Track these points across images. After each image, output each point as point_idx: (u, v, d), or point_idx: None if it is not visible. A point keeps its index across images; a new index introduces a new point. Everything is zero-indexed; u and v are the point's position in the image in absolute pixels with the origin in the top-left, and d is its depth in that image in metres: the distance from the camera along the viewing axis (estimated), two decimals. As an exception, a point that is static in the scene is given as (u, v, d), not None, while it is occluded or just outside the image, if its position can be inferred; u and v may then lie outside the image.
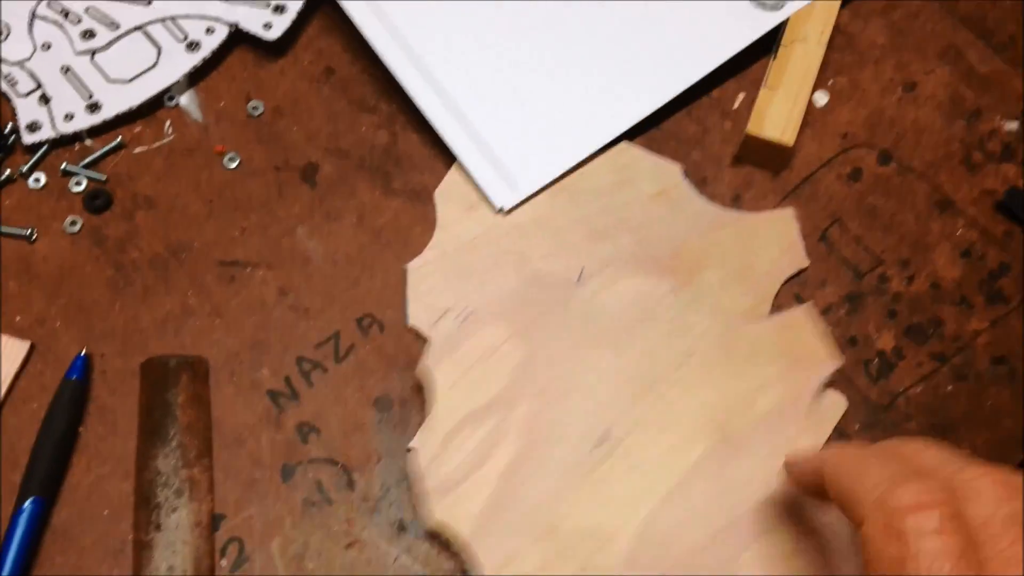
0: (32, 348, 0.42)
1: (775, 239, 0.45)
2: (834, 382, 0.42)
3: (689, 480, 0.39)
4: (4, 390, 0.41)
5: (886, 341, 0.43)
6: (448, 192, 0.46)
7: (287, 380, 0.42)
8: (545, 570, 0.38)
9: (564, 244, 0.45)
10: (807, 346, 0.41)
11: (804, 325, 0.42)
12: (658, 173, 0.46)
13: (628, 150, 0.47)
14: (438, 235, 0.45)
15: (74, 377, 0.41)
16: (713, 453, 0.40)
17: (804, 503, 0.38)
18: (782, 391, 0.41)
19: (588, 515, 0.39)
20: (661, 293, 0.43)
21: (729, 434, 0.40)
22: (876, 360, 0.43)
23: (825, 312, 0.44)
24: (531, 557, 0.38)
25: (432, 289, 0.44)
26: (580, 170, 0.46)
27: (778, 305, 0.43)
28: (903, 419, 0.41)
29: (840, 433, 0.41)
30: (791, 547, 0.38)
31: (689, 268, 0.44)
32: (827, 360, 0.41)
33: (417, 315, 0.43)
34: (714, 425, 0.40)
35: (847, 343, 0.43)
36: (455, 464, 0.40)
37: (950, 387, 0.42)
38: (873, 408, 0.42)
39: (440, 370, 0.41)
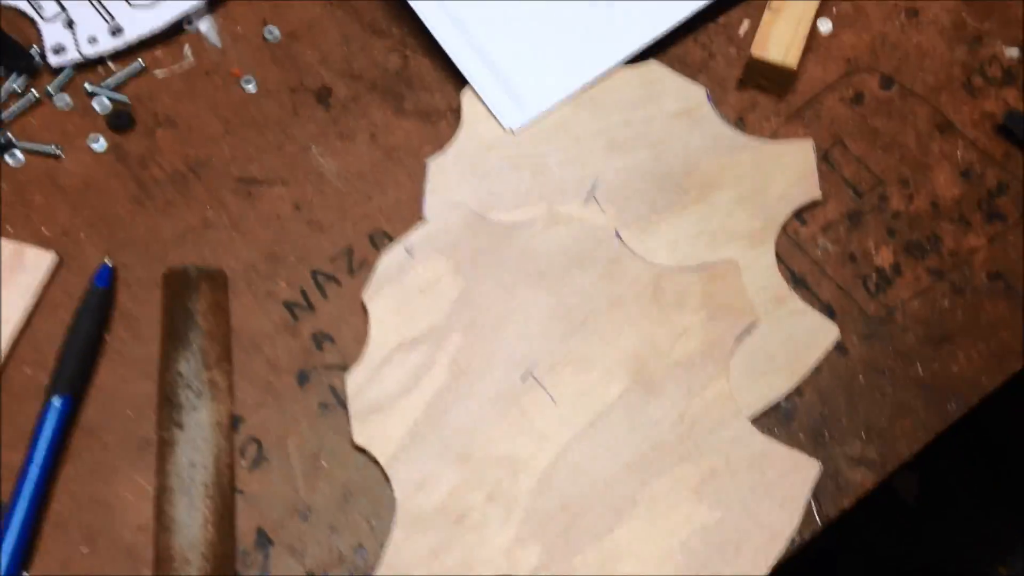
0: (60, 261, 0.44)
1: (791, 168, 0.45)
2: (831, 300, 0.43)
3: (605, 417, 0.41)
4: (32, 299, 0.42)
5: (885, 257, 0.44)
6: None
7: (302, 291, 0.44)
8: (454, 495, 0.39)
9: (583, 152, 0.46)
10: (729, 298, 0.42)
11: (728, 277, 0.43)
12: (683, 93, 0.47)
13: (656, 68, 0.48)
14: (462, 133, 0.47)
15: (100, 285, 0.43)
16: (629, 393, 0.41)
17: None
18: (700, 339, 0.42)
19: (505, 444, 0.40)
20: (600, 237, 0.44)
21: (646, 376, 0.41)
22: (875, 275, 0.44)
23: (826, 230, 0.45)
24: (443, 481, 0.40)
25: (449, 184, 0.45)
26: (606, 83, 0.47)
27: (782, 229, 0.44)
28: (900, 331, 0.43)
29: (839, 347, 0.42)
30: (695, 481, 0.39)
31: (702, 186, 0.45)
32: (746, 313, 0.42)
33: (433, 209, 0.45)
34: (634, 367, 0.41)
35: (847, 259, 0.44)
36: (383, 390, 0.41)
37: (947, 301, 0.43)
38: (870, 321, 0.43)
39: (378, 300, 0.43)
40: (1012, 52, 0.48)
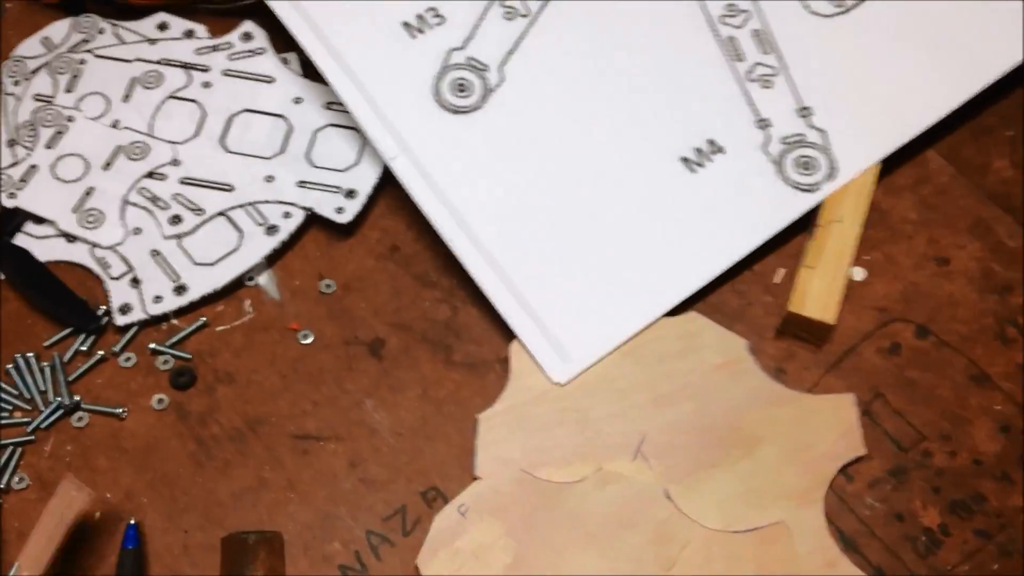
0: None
1: (834, 422, 0.46)
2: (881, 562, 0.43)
3: None
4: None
5: (932, 517, 0.44)
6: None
7: (357, 554, 0.45)
8: None
9: (628, 406, 0.47)
10: (781, 564, 0.43)
11: (780, 542, 0.43)
12: (724, 344, 0.49)
13: (696, 319, 0.49)
14: (511, 386, 0.48)
15: (128, 546, 0.43)
16: None
17: None
18: None
19: None
20: (650, 496, 0.44)
21: None
22: (923, 537, 0.44)
23: (872, 486, 0.45)
24: None
25: (500, 440, 0.46)
26: (649, 334, 0.49)
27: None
28: (952, 597, 0.43)
29: (891, 611, 0.42)
30: None
31: (747, 442, 0.46)
32: None
33: (484, 466, 0.46)
34: None
35: (894, 518, 0.45)
36: None
37: (996, 565, 0.43)
38: (922, 585, 0.43)
39: (433, 565, 0.43)
40: (1041, 301, 0.49)
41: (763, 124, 0.53)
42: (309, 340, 0.50)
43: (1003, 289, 0.50)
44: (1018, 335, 0.49)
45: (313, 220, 0.53)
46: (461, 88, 0.53)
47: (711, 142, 0.53)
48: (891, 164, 0.53)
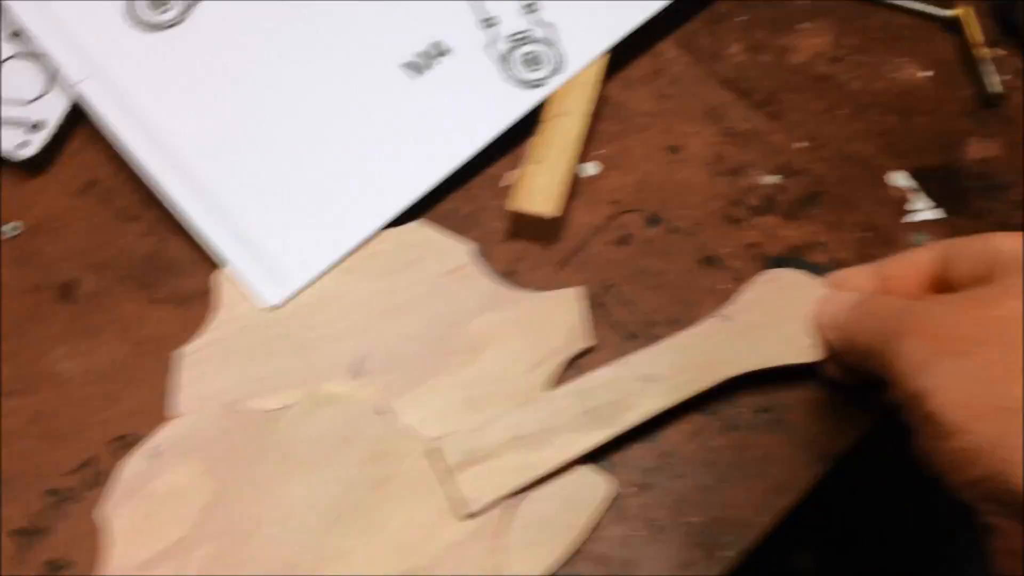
0: None
1: (563, 318, 0.44)
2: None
3: None
4: None
5: (661, 403, 0.42)
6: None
7: (36, 515, 0.40)
8: None
9: (350, 325, 0.44)
10: None
11: None
12: (450, 252, 0.46)
13: (420, 230, 0.46)
14: (218, 317, 0.44)
15: None
16: None
17: None
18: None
19: None
20: (365, 414, 0.41)
21: (417, 565, 0.38)
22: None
23: (601, 380, 0.43)
24: None
25: (203, 375, 0.42)
26: (371, 248, 0.46)
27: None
28: (676, 476, 0.41)
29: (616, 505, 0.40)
30: None
31: (473, 347, 0.43)
32: None
33: (184, 404, 0.42)
34: (403, 555, 0.38)
35: (623, 410, 0.42)
36: None
37: (719, 440, 0.41)
38: (648, 470, 0.41)
39: (119, 516, 0.39)
40: (771, 179, 0.48)
41: (489, 23, 0.50)
42: (-13, 289, 0.44)
43: (734, 172, 0.48)
44: (747, 215, 0.47)
45: (-6, 158, 0.47)
46: (159, 1, 0.49)
47: (436, 44, 0.50)
48: (627, 58, 0.51)
